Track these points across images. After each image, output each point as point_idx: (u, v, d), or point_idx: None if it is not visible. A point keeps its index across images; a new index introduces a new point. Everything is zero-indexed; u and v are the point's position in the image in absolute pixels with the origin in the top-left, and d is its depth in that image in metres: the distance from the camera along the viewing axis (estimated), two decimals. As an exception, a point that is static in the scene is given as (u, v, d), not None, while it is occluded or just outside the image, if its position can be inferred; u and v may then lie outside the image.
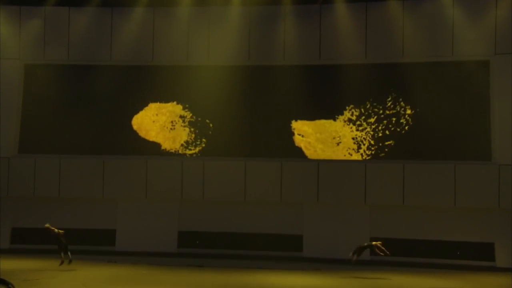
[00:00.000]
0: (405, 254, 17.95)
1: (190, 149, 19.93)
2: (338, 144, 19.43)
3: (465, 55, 18.48)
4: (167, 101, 20.24)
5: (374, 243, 15.83)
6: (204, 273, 15.68)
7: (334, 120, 19.51)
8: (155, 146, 19.94)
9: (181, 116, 20.20)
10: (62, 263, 15.21)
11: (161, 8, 19.91)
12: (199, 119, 19.98)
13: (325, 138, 19.56)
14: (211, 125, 19.89)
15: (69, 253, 15.41)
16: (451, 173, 18.17)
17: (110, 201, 19.75)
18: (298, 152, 19.49)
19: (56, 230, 15.57)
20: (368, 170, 18.75)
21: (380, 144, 19.03)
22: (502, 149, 17.96)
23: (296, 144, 19.56)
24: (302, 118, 19.62)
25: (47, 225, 15.67)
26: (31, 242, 19.04)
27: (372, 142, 19.15)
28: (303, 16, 19.43)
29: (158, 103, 20.25)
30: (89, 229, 18.57)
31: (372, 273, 15.82)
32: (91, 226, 18.68)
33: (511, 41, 17.94)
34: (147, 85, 20.17)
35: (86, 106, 20.18)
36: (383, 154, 18.94)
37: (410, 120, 18.90)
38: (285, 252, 18.93)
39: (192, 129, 20.05)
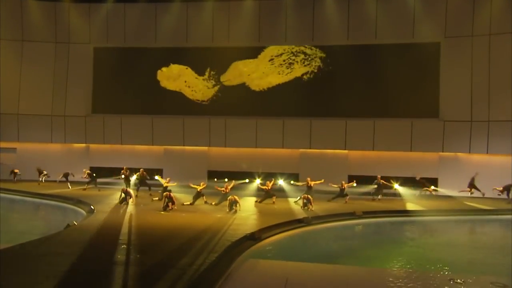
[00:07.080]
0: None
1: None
2: None
3: (422, 37, 24.02)
4: (199, 75, 26.48)
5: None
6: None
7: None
8: (190, 108, 26.36)
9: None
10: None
11: (192, 3, 25.86)
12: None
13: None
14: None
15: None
16: (408, 127, 24.15)
17: (158, 148, 26.62)
18: (297, 112, 25.57)
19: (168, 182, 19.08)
20: (348, 125, 24.79)
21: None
22: (446, 110, 23.83)
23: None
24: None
25: (168, 178, 19.76)
26: (101, 177, 25.85)
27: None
28: (299, 7, 25.16)
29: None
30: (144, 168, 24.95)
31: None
32: (145, 166, 25.23)
33: (456, 26, 23.43)
34: (182, 61, 26.45)
35: (138, 78, 26.49)
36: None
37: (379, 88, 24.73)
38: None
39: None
